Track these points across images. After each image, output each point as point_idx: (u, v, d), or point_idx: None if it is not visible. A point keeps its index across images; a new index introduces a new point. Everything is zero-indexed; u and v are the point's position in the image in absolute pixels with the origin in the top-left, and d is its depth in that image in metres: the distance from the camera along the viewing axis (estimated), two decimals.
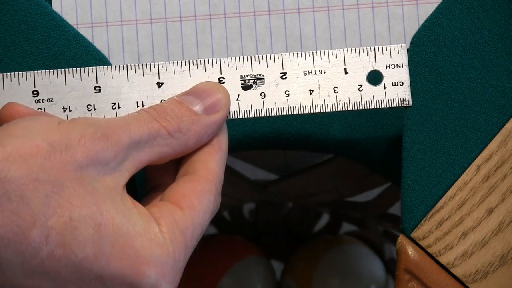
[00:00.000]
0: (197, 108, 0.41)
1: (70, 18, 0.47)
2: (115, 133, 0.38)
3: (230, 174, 0.66)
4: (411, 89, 0.44)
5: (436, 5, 0.45)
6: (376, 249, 0.81)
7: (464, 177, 0.44)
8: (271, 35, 0.48)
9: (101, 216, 0.36)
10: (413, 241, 0.43)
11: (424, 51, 0.45)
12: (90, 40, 0.47)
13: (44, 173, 0.35)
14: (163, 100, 0.42)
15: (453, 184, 0.44)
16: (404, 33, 0.48)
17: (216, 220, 0.85)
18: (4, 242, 0.34)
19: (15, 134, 0.36)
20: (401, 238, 0.43)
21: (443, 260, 0.43)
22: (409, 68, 0.44)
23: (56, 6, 0.47)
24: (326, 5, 0.48)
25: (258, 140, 0.49)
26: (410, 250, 0.43)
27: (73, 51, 0.45)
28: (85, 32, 0.47)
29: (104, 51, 0.47)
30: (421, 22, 0.47)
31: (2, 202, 0.34)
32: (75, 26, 0.47)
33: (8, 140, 0.35)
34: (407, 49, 0.45)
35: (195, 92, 0.42)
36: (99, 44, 0.47)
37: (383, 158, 0.49)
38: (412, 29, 0.48)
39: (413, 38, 0.45)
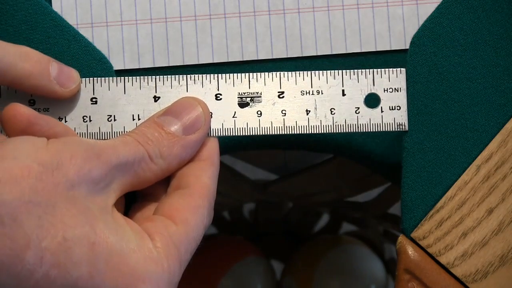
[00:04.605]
0: (176, 128, 0.41)
1: (70, 18, 0.47)
2: (105, 153, 0.38)
3: (230, 174, 0.66)
4: (411, 89, 0.44)
5: (436, 5, 0.45)
6: (376, 249, 0.81)
7: (464, 177, 0.44)
8: (271, 35, 0.48)
9: (94, 235, 0.36)
10: (413, 241, 0.43)
11: (424, 51, 0.45)
12: (90, 40, 0.47)
13: (37, 194, 0.35)
14: None
15: (453, 184, 0.44)
16: (404, 33, 0.48)
17: (216, 220, 0.85)
18: None
19: (5, 156, 0.36)
20: (401, 238, 0.44)
21: (443, 260, 0.43)
22: (409, 68, 0.44)
23: (56, 6, 0.47)
24: (326, 5, 0.48)
25: (258, 140, 0.49)
26: (410, 250, 0.43)
27: (73, 51, 0.45)
28: (85, 32, 0.47)
29: (104, 51, 0.47)
30: (421, 22, 0.47)
31: None
32: (75, 26, 0.47)
33: None
34: (407, 49, 0.45)
35: (174, 111, 0.42)
36: (99, 44, 0.47)
37: (383, 158, 0.49)
38: (412, 29, 0.48)
39: (413, 38, 0.45)
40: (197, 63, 0.47)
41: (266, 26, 0.48)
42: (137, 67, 0.47)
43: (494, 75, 0.45)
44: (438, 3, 0.45)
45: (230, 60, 0.48)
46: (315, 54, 0.48)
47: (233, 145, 0.49)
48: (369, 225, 0.82)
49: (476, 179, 0.44)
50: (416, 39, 0.45)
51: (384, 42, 0.48)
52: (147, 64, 0.47)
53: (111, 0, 0.47)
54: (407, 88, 0.44)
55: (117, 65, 0.47)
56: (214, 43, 0.48)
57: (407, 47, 0.46)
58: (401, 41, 0.48)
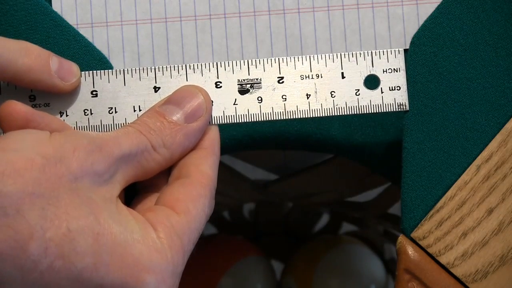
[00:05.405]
0: (178, 117, 0.41)
1: (70, 18, 0.47)
2: (107, 145, 0.38)
3: (230, 174, 0.66)
4: (411, 89, 0.44)
5: (436, 5, 0.45)
6: (376, 249, 0.81)
7: (464, 177, 0.44)
8: (271, 35, 0.48)
9: (98, 225, 0.36)
10: (413, 241, 0.43)
11: (424, 51, 0.45)
12: (90, 40, 0.47)
13: (40, 186, 0.35)
14: None
15: (453, 184, 0.44)
16: (404, 33, 0.48)
17: (216, 220, 0.85)
18: (2, 257, 0.34)
19: (8, 149, 0.36)
20: (401, 238, 0.43)
21: (443, 260, 0.43)
22: (409, 68, 0.44)
23: (56, 6, 0.47)
24: (326, 5, 0.48)
25: (258, 140, 0.49)
26: (410, 250, 0.43)
27: (73, 51, 0.45)
28: (85, 32, 0.47)
29: (104, 51, 0.47)
30: (421, 22, 0.47)
31: None
32: (75, 26, 0.47)
33: (2, 155, 0.35)
34: (407, 49, 0.45)
35: (175, 100, 0.42)
36: (99, 44, 0.47)
37: (383, 158, 0.49)
38: (412, 29, 0.48)
39: (413, 38, 0.45)
40: (197, 63, 0.47)
41: (266, 26, 0.48)
42: (137, 67, 0.47)
43: (494, 75, 0.45)
44: (438, 3, 0.45)
45: (230, 60, 0.48)
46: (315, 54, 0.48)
47: (233, 145, 0.49)
48: (369, 225, 0.82)
49: (476, 179, 0.44)
50: (416, 39, 0.45)
51: (384, 42, 0.48)
52: (147, 64, 0.47)
53: (111, 0, 0.47)
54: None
55: (117, 65, 0.47)
56: (214, 43, 0.48)
57: (407, 47, 0.46)
58: (401, 41, 0.48)
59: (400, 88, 0.43)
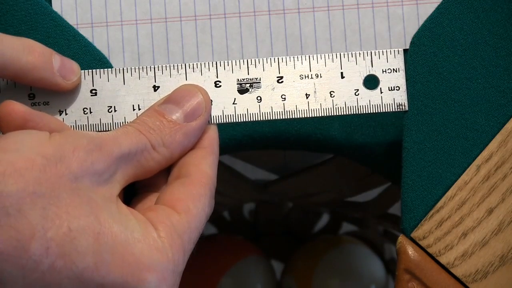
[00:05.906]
0: (177, 116, 0.41)
1: (70, 18, 0.47)
2: (107, 144, 0.38)
3: (230, 174, 0.66)
4: (411, 89, 0.44)
5: (436, 5, 0.45)
6: (376, 249, 0.81)
7: (464, 177, 0.44)
8: (271, 35, 0.48)
9: (99, 225, 0.36)
10: (413, 241, 0.43)
11: (424, 51, 0.45)
12: (90, 40, 0.47)
13: (40, 186, 0.35)
14: None
15: (453, 184, 0.44)
16: (404, 33, 0.48)
17: (216, 220, 0.85)
18: (4, 257, 0.34)
19: (8, 149, 0.36)
20: (401, 238, 0.44)
21: (443, 260, 0.43)
22: (409, 68, 0.44)
23: (56, 6, 0.47)
24: (326, 5, 0.48)
25: (258, 140, 0.49)
26: (410, 250, 0.43)
27: (73, 51, 0.45)
28: (85, 32, 0.47)
29: (104, 51, 0.47)
30: (421, 22, 0.47)
31: (0, 217, 0.34)
32: (75, 26, 0.47)
33: (2, 156, 0.35)
34: (407, 49, 0.45)
35: (174, 99, 0.42)
36: (99, 44, 0.47)
37: (383, 158, 0.49)
38: (412, 29, 0.48)
39: (413, 38, 0.45)
40: (196, 62, 0.47)
41: (266, 26, 0.48)
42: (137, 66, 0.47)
43: (494, 75, 0.45)
44: (438, 3, 0.45)
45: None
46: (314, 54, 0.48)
47: (233, 145, 0.49)
48: (369, 225, 0.82)
49: (476, 179, 0.44)
50: (416, 39, 0.45)
51: (384, 42, 0.48)
52: (147, 64, 0.47)
53: (111, 0, 0.47)
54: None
55: (117, 65, 0.47)
56: (214, 43, 0.48)
57: (407, 47, 0.46)
58: (401, 41, 0.48)
59: (399, 88, 0.43)
